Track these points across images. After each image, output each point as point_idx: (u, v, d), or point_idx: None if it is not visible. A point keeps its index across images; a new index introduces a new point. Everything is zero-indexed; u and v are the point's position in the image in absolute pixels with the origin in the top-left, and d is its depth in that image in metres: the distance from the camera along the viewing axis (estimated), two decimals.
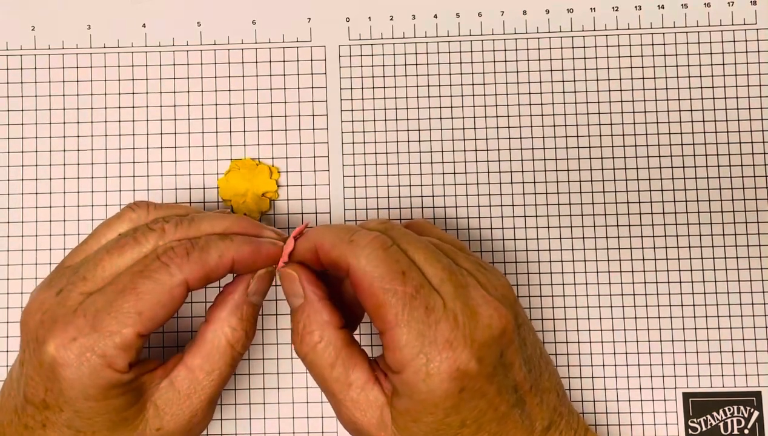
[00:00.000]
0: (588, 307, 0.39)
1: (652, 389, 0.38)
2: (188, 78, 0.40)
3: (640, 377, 0.39)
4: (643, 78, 0.40)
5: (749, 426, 0.38)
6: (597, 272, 0.39)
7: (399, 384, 0.29)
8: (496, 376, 0.29)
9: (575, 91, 0.40)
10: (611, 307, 0.39)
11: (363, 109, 0.40)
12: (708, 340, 0.39)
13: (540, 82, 0.40)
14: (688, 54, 0.40)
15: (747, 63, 0.40)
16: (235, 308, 0.32)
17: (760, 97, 0.40)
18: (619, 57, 0.40)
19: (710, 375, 0.39)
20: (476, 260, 0.32)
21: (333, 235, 0.31)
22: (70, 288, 0.30)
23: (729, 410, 0.38)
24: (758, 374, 0.38)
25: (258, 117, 0.40)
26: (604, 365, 0.39)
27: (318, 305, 0.31)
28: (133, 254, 0.31)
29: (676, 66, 0.40)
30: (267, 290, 0.33)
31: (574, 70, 0.40)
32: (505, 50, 0.40)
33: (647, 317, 0.39)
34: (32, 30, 0.41)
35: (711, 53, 0.40)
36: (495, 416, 0.30)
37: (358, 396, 0.31)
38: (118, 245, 0.31)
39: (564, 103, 0.40)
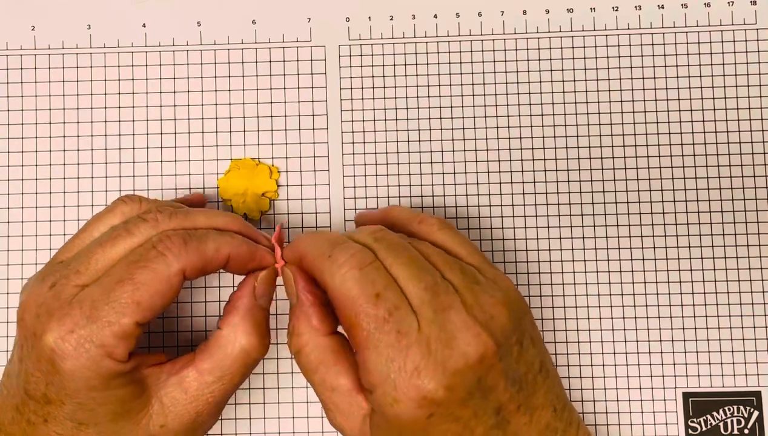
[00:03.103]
0: (588, 307, 0.39)
1: (652, 389, 0.38)
2: (188, 78, 0.40)
3: (640, 377, 0.39)
4: (643, 78, 0.40)
5: (749, 426, 0.38)
6: (597, 272, 0.39)
7: (372, 402, 0.29)
8: (471, 400, 0.29)
9: (575, 91, 0.40)
10: (611, 307, 0.39)
11: (363, 109, 0.40)
12: (708, 340, 0.39)
13: (540, 82, 0.40)
14: (688, 54, 0.40)
15: (747, 63, 0.40)
16: (247, 313, 0.32)
17: (760, 97, 0.40)
18: (619, 57, 0.40)
19: (710, 375, 0.39)
20: (474, 272, 0.31)
21: (315, 248, 0.31)
22: (63, 282, 0.30)
23: (729, 409, 0.38)
24: (758, 374, 0.38)
25: (258, 117, 0.40)
26: (604, 365, 0.39)
27: (308, 310, 0.31)
28: (125, 244, 0.30)
29: (676, 66, 0.40)
30: (272, 292, 0.33)
31: (574, 70, 0.40)
32: (505, 50, 0.40)
33: (647, 317, 0.39)
34: (32, 30, 0.41)
35: (711, 53, 0.40)
36: None
37: (341, 402, 0.31)
38: (111, 237, 0.31)
39: (564, 103, 0.40)
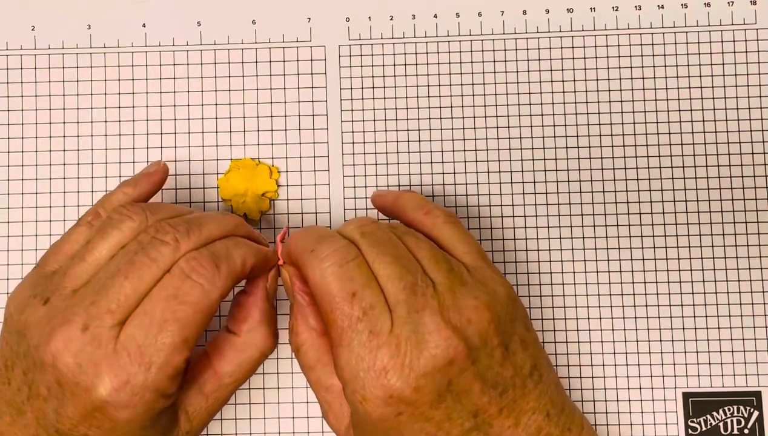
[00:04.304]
0: (588, 307, 0.39)
1: (652, 389, 0.38)
2: (188, 78, 0.40)
3: (640, 377, 0.39)
4: (643, 78, 0.40)
5: (749, 426, 0.38)
6: (597, 272, 0.39)
7: (346, 397, 0.30)
8: (442, 402, 0.29)
9: (575, 91, 0.40)
10: (611, 307, 0.39)
11: (363, 109, 0.40)
12: (708, 340, 0.39)
13: (540, 82, 0.40)
14: (688, 54, 0.40)
15: (747, 63, 0.40)
16: (264, 317, 0.32)
17: (760, 97, 0.40)
18: (619, 57, 0.40)
19: (710, 375, 0.39)
20: (463, 272, 0.31)
21: (301, 242, 0.31)
22: (97, 324, 0.28)
23: (729, 410, 0.38)
24: (758, 374, 0.38)
25: (258, 117, 0.40)
26: (604, 365, 0.39)
27: (305, 310, 0.32)
28: (152, 272, 0.29)
29: (676, 66, 0.40)
30: (276, 288, 0.33)
31: (574, 70, 0.40)
32: (505, 50, 0.40)
33: (647, 317, 0.39)
34: (32, 30, 0.41)
35: (711, 53, 0.40)
36: None
37: (333, 400, 0.31)
38: (134, 268, 0.29)
39: (564, 103, 0.40)
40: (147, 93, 0.40)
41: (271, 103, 0.40)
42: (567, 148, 0.40)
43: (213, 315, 0.30)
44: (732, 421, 0.38)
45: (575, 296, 0.39)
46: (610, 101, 0.40)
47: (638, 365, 0.39)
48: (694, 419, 0.38)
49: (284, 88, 0.40)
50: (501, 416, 0.30)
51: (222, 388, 0.32)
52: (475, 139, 0.40)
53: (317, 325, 0.31)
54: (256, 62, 0.40)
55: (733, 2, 0.40)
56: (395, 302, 0.29)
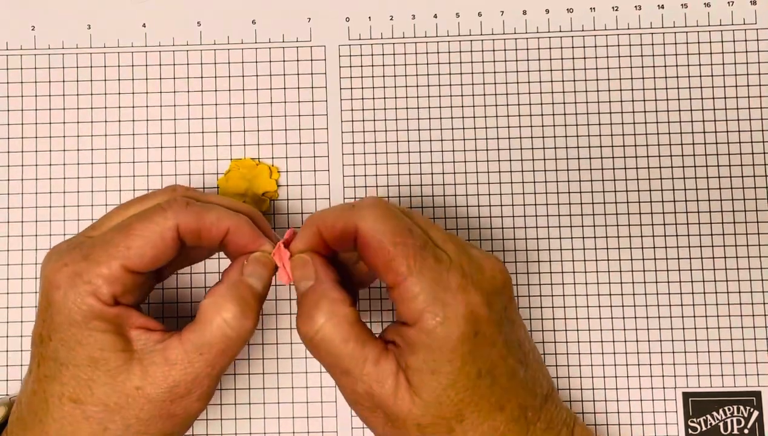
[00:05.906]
0: (588, 306, 0.39)
1: (652, 389, 0.39)
2: (188, 78, 0.40)
3: (640, 377, 0.39)
4: (643, 78, 0.40)
5: (749, 426, 0.38)
6: (597, 272, 0.39)
7: (416, 336, 0.29)
8: (503, 326, 0.30)
9: (575, 91, 0.40)
10: (611, 306, 0.39)
11: (363, 109, 0.40)
12: (708, 340, 0.39)
13: (540, 82, 0.40)
14: (688, 54, 0.40)
15: (747, 63, 0.40)
16: (231, 286, 0.31)
17: (760, 97, 0.40)
18: (619, 57, 0.40)
19: (710, 375, 0.39)
20: (468, 245, 0.32)
21: (333, 210, 0.32)
22: (81, 237, 0.32)
23: (729, 409, 0.38)
24: (758, 374, 0.38)
25: (258, 117, 0.40)
26: (604, 365, 0.39)
27: (330, 284, 0.31)
28: (138, 206, 0.32)
29: (676, 66, 0.40)
30: (266, 276, 0.32)
31: (574, 70, 0.40)
32: (505, 50, 0.40)
33: (647, 317, 0.39)
34: (32, 30, 0.41)
35: (711, 53, 0.40)
36: (506, 370, 0.30)
37: (374, 368, 0.30)
38: (127, 202, 0.33)
39: (564, 103, 0.40)
40: (147, 93, 0.40)
41: (271, 103, 0.40)
42: (567, 148, 0.40)
43: (167, 243, 0.30)
44: (732, 421, 0.38)
45: (575, 295, 0.39)
46: (610, 101, 0.40)
47: (638, 365, 0.39)
48: (694, 419, 0.38)
49: (284, 88, 0.40)
50: (531, 357, 0.32)
51: (184, 357, 0.30)
52: (475, 139, 0.40)
53: (344, 296, 0.31)
54: (256, 62, 0.40)
55: (733, 2, 0.40)
56: (442, 242, 0.31)
